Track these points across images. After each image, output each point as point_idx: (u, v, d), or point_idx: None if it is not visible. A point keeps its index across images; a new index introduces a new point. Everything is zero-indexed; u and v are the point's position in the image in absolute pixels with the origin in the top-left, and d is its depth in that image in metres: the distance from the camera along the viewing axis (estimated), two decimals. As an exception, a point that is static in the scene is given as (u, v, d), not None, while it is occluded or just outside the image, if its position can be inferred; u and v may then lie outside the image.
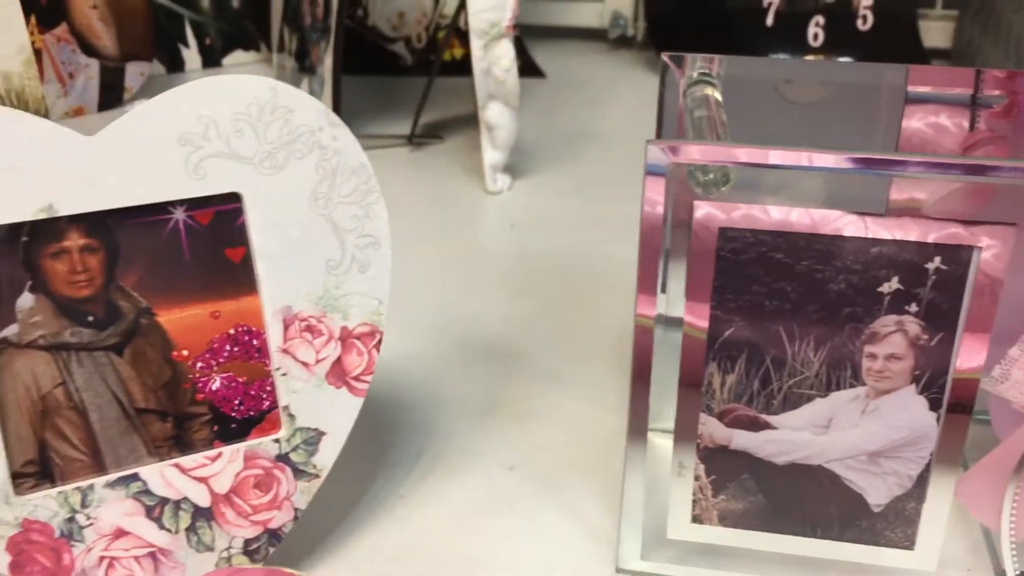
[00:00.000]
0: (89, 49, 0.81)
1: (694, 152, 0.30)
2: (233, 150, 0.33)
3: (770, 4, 0.92)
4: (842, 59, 0.92)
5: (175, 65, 0.94)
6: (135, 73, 0.85)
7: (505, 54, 0.65)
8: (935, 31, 0.95)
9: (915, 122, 0.45)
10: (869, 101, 0.46)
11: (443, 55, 0.79)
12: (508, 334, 0.52)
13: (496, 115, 0.67)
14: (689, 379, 0.34)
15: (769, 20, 0.92)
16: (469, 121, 0.82)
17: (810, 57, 0.93)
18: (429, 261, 0.59)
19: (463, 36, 0.85)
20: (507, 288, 0.57)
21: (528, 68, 0.93)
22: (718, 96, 0.37)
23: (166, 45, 0.93)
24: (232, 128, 0.33)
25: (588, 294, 0.56)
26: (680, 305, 0.34)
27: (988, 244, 0.30)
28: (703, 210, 0.31)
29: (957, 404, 0.32)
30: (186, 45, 0.95)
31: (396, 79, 0.91)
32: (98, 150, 0.32)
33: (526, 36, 0.97)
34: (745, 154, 0.30)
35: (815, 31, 0.92)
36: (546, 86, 0.92)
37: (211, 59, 0.96)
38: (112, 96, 0.82)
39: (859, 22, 0.91)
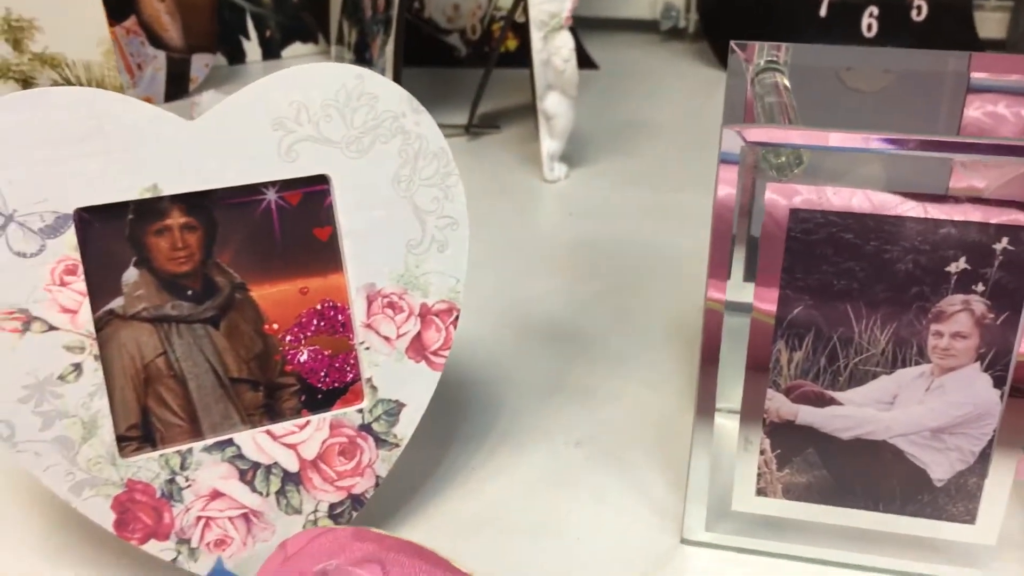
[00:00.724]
0: (157, 41, 0.83)
1: (768, 135, 0.32)
2: (322, 134, 0.35)
3: (824, -6, 0.92)
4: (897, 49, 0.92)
5: (237, 57, 0.97)
6: (200, 64, 0.88)
7: (565, 44, 0.66)
8: (990, 22, 0.95)
9: (974, 111, 0.46)
10: (931, 89, 0.47)
11: (502, 44, 0.81)
12: (570, 317, 0.54)
13: (554, 104, 0.68)
14: (756, 361, 0.35)
15: (823, 11, 0.92)
16: (524, 111, 0.84)
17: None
18: (490, 247, 0.61)
19: (516, 28, 0.87)
20: (567, 273, 0.59)
21: (582, 60, 0.94)
22: (786, 83, 0.38)
23: (228, 37, 0.95)
24: (322, 114, 0.35)
25: (646, 280, 0.57)
26: (744, 290, 0.35)
27: (1054, 226, 0.31)
28: (775, 192, 0.33)
29: (1021, 383, 0.33)
30: (247, 37, 0.97)
31: (451, 70, 0.92)
32: (199, 134, 0.34)
33: (579, 28, 0.98)
34: (817, 137, 0.31)
35: (869, 21, 0.92)
36: (600, 77, 0.93)
37: (271, 51, 0.99)
38: (178, 87, 0.84)
39: (914, 12, 0.91)
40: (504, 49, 0.95)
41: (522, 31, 0.86)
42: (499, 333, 0.51)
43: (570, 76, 0.67)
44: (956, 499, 0.35)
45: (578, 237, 0.63)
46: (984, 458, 0.34)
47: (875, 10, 0.92)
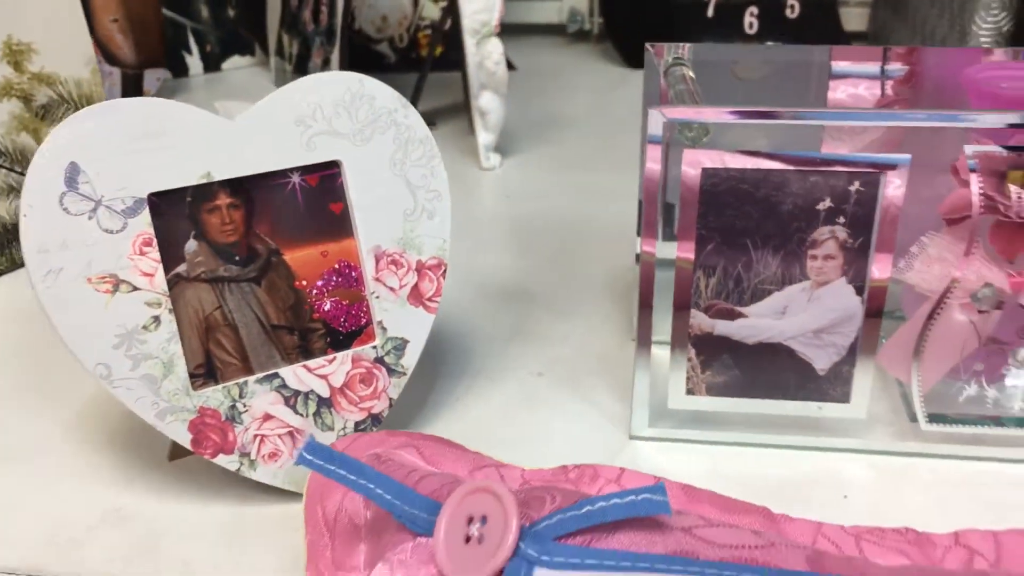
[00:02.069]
0: (111, 59, 0.90)
1: (682, 113, 0.42)
2: (334, 128, 0.44)
3: (710, -3, 1.04)
4: (779, 44, 1.05)
5: (180, 71, 1.04)
6: (152, 79, 0.95)
7: (495, 49, 0.76)
8: (854, 16, 1.09)
9: (838, 93, 0.57)
10: (801, 77, 0.58)
11: (434, 53, 0.90)
12: (519, 280, 0.64)
13: (488, 102, 0.78)
14: (682, 300, 0.46)
15: (710, 12, 1.05)
16: (455, 109, 0.94)
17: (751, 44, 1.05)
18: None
19: (443, 36, 0.96)
20: (511, 246, 0.69)
21: (501, 62, 1.04)
22: (691, 74, 0.49)
23: (171, 53, 1.02)
24: (333, 112, 0.44)
25: (579, 247, 0.68)
26: (668, 248, 0.45)
27: (891, 174, 0.42)
28: (689, 158, 0.43)
29: (875, 289, 0.44)
30: (189, 52, 1.04)
31: (382, 75, 1.01)
32: (239, 131, 0.43)
33: (496, 33, 1.08)
34: (717, 113, 0.42)
35: (750, 20, 1.05)
36: (519, 77, 1.03)
37: (211, 64, 1.06)
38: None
39: (788, 11, 1.04)
40: (428, 53, 1.05)
41: (446, 38, 0.95)
42: (463, 295, 0.61)
43: (501, 77, 0.77)
44: (834, 384, 0.47)
45: (517, 215, 0.73)
46: (853, 350, 0.46)
47: (755, 10, 1.04)
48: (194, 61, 1.04)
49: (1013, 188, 0.42)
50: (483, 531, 0.31)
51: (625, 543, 0.30)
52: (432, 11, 1.05)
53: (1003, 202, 0.42)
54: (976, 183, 0.42)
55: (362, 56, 1.03)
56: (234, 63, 1.07)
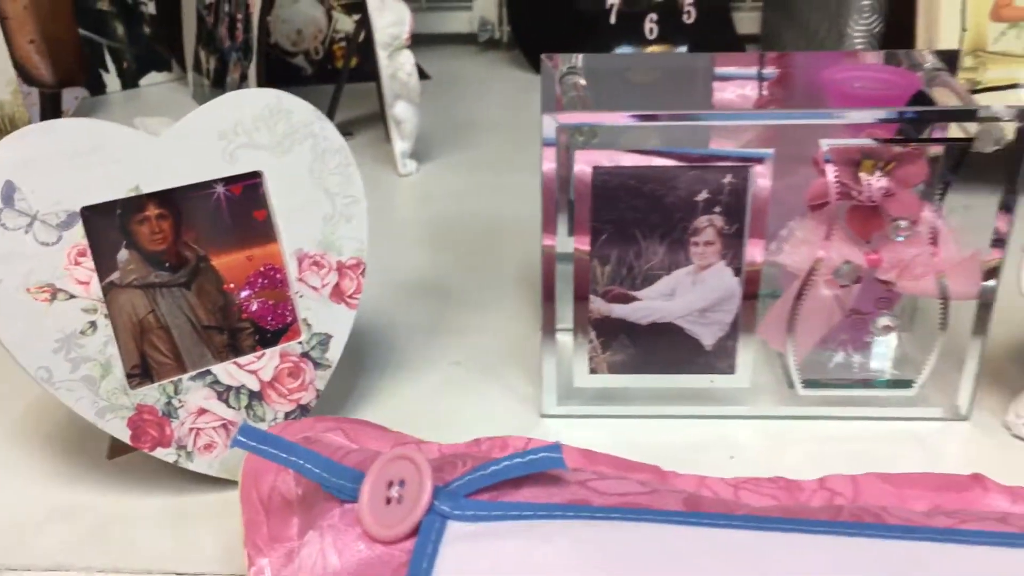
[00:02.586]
0: (29, 79, 0.92)
1: (573, 117, 0.47)
2: (254, 141, 0.48)
3: (612, 5, 1.10)
4: (676, 48, 1.11)
5: (98, 88, 1.05)
6: (70, 97, 0.96)
7: (407, 61, 0.80)
8: (747, 20, 1.15)
9: (727, 94, 0.63)
10: (688, 80, 0.64)
11: (349, 64, 0.93)
12: (437, 276, 0.68)
13: (403, 111, 0.82)
14: (581, 290, 0.50)
15: (612, 19, 1.10)
16: (371, 119, 0.97)
17: (652, 48, 1.11)
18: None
19: (357, 48, 0.99)
20: (429, 246, 0.73)
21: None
22: (583, 82, 0.54)
23: (89, 71, 1.04)
24: (252, 126, 0.48)
25: (493, 244, 0.72)
26: (567, 242, 0.50)
27: (758, 167, 0.47)
28: (582, 158, 0.48)
29: (750, 272, 0.49)
30: (106, 70, 1.06)
31: (299, 87, 1.04)
32: (165, 146, 0.46)
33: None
34: (604, 116, 0.47)
35: (650, 26, 1.10)
36: (432, 86, 1.07)
37: (129, 81, 1.08)
38: (53, 119, 0.93)
39: (684, 16, 1.10)
40: (343, 66, 1.08)
41: (358, 51, 0.99)
42: (384, 293, 0.65)
43: (414, 86, 0.81)
44: (720, 357, 0.52)
45: (433, 217, 0.78)
46: (735, 326, 0.51)
47: (654, 16, 1.10)
48: (111, 79, 1.05)
49: (864, 176, 0.47)
50: (402, 492, 0.35)
51: (527, 496, 0.35)
52: (346, 24, 1.09)
53: (856, 189, 0.47)
54: (832, 173, 0.47)
55: (279, 69, 1.06)
56: (151, 79, 1.08)
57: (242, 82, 0.91)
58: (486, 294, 0.65)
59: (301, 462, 0.37)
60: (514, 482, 0.35)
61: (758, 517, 0.35)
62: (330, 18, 1.09)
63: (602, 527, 0.33)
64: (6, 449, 0.51)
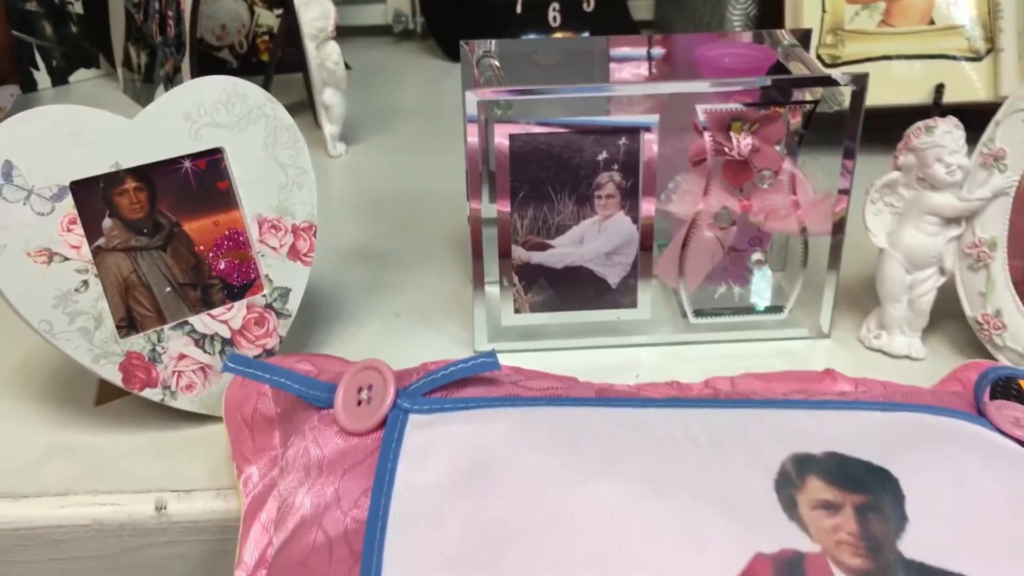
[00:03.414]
0: (-35, 77, 0.96)
1: (491, 93, 0.55)
2: (215, 121, 0.55)
3: (518, -5, 1.18)
4: (578, 34, 1.20)
5: (30, 86, 1.09)
6: (6, 95, 1.01)
7: (333, 51, 0.87)
8: (642, 8, 1.25)
9: (619, 73, 0.72)
10: (588, 62, 0.73)
11: (275, 58, 1.00)
12: (375, 244, 0.76)
13: (331, 97, 0.89)
14: (504, 245, 0.59)
15: (518, 9, 1.19)
16: (299, 106, 1.04)
17: (556, 35, 1.20)
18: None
19: (283, 41, 1.06)
20: (365, 218, 0.80)
21: (336, 62, 1.15)
22: (497, 64, 0.62)
23: (19, 69, 1.08)
24: (213, 108, 0.55)
25: (424, 214, 0.80)
26: (490, 208, 0.58)
27: (646, 132, 0.57)
28: (500, 127, 0.56)
29: (645, 224, 0.59)
30: (36, 68, 1.10)
31: (226, 80, 1.10)
32: (139, 127, 0.53)
33: (329, 36, 1.18)
34: (518, 91, 0.55)
35: (553, 14, 1.20)
36: (354, 75, 1.14)
37: (59, 79, 1.12)
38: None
39: (584, 5, 1.19)
40: (267, 59, 1.14)
41: (285, 43, 1.05)
42: (329, 258, 0.72)
43: (340, 74, 0.89)
44: (625, 294, 0.61)
45: (366, 193, 0.85)
46: (635, 266, 0.60)
47: (557, 5, 1.19)
48: (42, 76, 1.10)
49: (734, 136, 0.57)
50: (370, 395, 0.43)
51: (471, 393, 0.43)
52: (267, 19, 1.15)
53: (728, 146, 0.57)
54: (707, 134, 0.57)
55: (206, 63, 1.12)
56: (81, 76, 1.13)
57: (175, 75, 0.97)
58: (418, 256, 0.74)
59: (282, 379, 0.45)
60: (459, 383, 0.44)
61: (655, 399, 0.44)
62: (252, 13, 1.15)
63: (531, 411, 0.42)
64: (2, 398, 0.57)
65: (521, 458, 0.39)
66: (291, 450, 0.44)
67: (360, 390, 0.43)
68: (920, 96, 0.82)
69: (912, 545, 0.35)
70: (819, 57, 0.84)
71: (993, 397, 0.45)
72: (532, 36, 1.19)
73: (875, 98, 0.81)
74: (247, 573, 0.43)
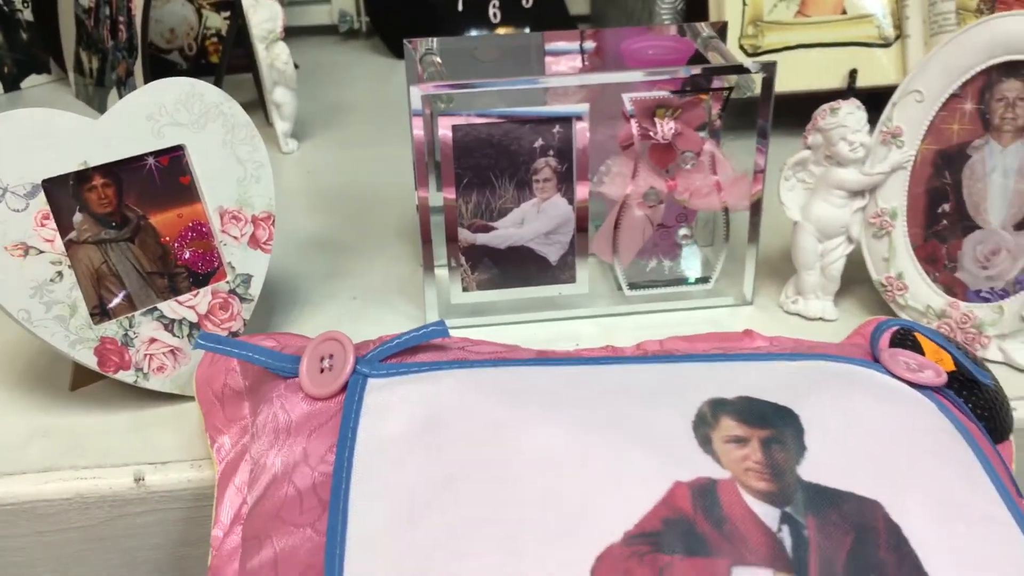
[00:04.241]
0: (-81, 85, 0.98)
1: (434, 88, 0.60)
2: (176, 120, 0.59)
3: (460, -7, 1.23)
4: (519, 29, 1.25)
5: (-18, 92, 1.12)
6: (-40, 101, 1.03)
7: (282, 51, 0.91)
8: (578, 2, 1.30)
9: (555, 66, 0.77)
10: (526, 56, 0.77)
11: (226, 59, 1.03)
12: (331, 233, 0.80)
13: (282, 96, 0.93)
14: (451, 231, 0.64)
15: (460, 7, 1.23)
16: (251, 106, 1.07)
17: (502, 30, 1.25)
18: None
19: (232, 43, 1.09)
20: (320, 210, 0.84)
21: (284, 62, 1.18)
22: (439, 60, 0.67)
23: (-29, 76, 1.10)
24: (173, 108, 0.59)
25: (373, 205, 0.84)
26: (437, 196, 0.63)
27: (578, 120, 0.61)
28: (443, 119, 0.61)
29: (581, 201, 0.64)
30: (-13, 74, 1.12)
31: (177, 82, 1.13)
32: (105, 126, 0.56)
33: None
34: (457, 85, 0.60)
35: (494, 11, 1.24)
36: (302, 74, 1.18)
37: (10, 84, 1.14)
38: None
39: (523, 2, 1.24)
40: (216, 60, 1.17)
41: (235, 45, 1.08)
42: (288, 249, 0.76)
43: (290, 74, 0.92)
44: (564, 270, 0.66)
45: (319, 187, 0.89)
46: (572, 244, 0.65)
47: (497, 2, 1.24)
48: (-6, 82, 1.12)
49: (658, 121, 0.62)
50: (332, 363, 0.47)
51: (423, 358, 0.48)
52: (215, 21, 1.18)
53: (653, 131, 0.62)
54: (634, 121, 0.62)
55: (156, 66, 1.14)
56: (33, 81, 1.15)
57: (128, 78, 1.00)
58: (371, 243, 0.78)
59: (250, 353, 0.49)
60: (412, 350, 0.48)
61: (590, 357, 0.49)
62: (200, 16, 1.18)
63: (477, 371, 0.47)
64: (-21, 391, 0.61)
65: (469, 411, 0.44)
66: (260, 417, 0.48)
67: (322, 359, 0.48)
68: (835, 81, 0.89)
69: (809, 470, 0.41)
70: (741, 47, 0.90)
71: (895, 348, 0.51)
72: (474, 33, 1.24)
73: (794, 84, 0.88)
74: (223, 531, 0.47)
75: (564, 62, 0.77)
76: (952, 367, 0.50)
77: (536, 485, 0.40)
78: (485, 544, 0.39)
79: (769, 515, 0.39)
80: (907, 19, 0.88)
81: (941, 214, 0.62)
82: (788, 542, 0.38)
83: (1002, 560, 0.38)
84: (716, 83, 0.64)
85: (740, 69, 0.61)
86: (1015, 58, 0.59)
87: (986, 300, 0.61)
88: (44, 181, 0.54)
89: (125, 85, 1.01)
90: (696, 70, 0.62)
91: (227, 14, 1.16)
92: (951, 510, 0.40)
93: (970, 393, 0.50)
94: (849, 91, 0.87)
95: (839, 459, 0.41)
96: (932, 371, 0.48)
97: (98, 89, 1.08)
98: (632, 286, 0.67)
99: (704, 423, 0.43)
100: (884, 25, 0.89)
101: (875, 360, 0.49)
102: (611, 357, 0.49)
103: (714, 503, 0.39)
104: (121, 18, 1.00)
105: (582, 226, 0.64)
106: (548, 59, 0.76)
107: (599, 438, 0.42)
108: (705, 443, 0.42)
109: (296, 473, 0.44)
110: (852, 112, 0.61)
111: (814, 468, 0.41)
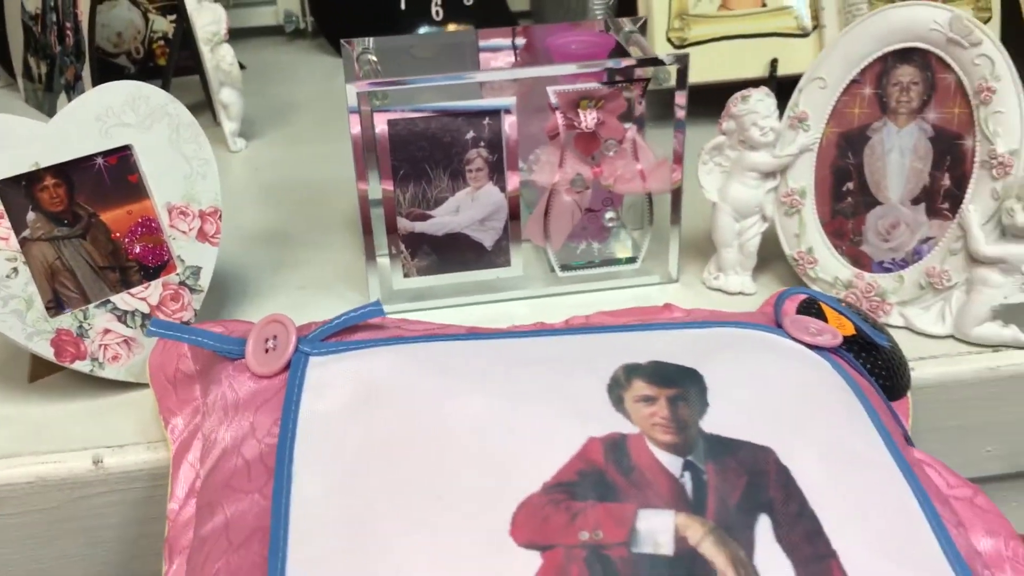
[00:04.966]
0: None
1: (368, 85, 0.63)
2: (123, 121, 0.62)
3: (402, -8, 1.26)
4: (461, 26, 1.28)
5: (-70, 99, 1.13)
6: (-91, 108, 1.04)
7: (227, 52, 0.94)
8: (519, -1, 1.34)
9: (493, 62, 0.80)
10: (461, 53, 0.81)
11: (173, 62, 1.06)
12: (279, 227, 0.83)
13: (228, 96, 0.96)
14: (391, 221, 0.67)
15: (403, 5, 1.27)
16: (198, 107, 1.10)
17: (451, 27, 1.28)
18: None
19: (178, 46, 1.11)
20: (266, 205, 0.88)
21: (231, 63, 1.21)
22: (375, 59, 0.70)
23: (-81, 83, 1.11)
24: (121, 110, 0.62)
25: (319, 199, 0.88)
26: (377, 190, 0.67)
27: (506, 113, 0.65)
28: (379, 115, 0.64)
29: (512, 189, 0.68)
30: (-64, 81, 1.13)
31: (126, 85, 1.15)
32: (55, 128, 0.59)
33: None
34: (390, 83, 0.64)
35: (436, 9, 1.28)
36: (249, 75, 1.20)
37: (-42, 90, 1.16)
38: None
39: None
40: (164, 63, 1.20)
41: (181, 47, 1.11)
42: (235, 243, 0.79)
43: (236, 74, 0.95)
44: (499, 255, 0.70)
45: (266, 183, 0.92)
46: (506, 230, 0.69)
47: (439, 0, 1.27)
48: (-58, 89, 1.14)
49: (582, 112, 0.66)
50: (276, 344, 0.51)
51: (361, 336, 0.52)
52: (162, 24, 1.20)
53: (577, 121, 0.66)
54: (559, 112, 0.66)
55: (104, 69, 1.16)
56: (-20, 87, 1.17)
57: (76, 82, 1.02)
58: (317, 236, 0.81)
59: (199, 338, 0.52)
60: (351, 329, 0.52)
61: (518, 332, 0.53)
62: (147, 20, 1.20)
63: (411, 346, 0.50)
64: (-60, 386, 0.63)
65: (404, 383, 0.47)
66: (210, 396, 0.52)
67: (267, 340, 0.51)
68: (757, 70, 0.93)
69: (711, 423, 0.45)
70: (669, 40, 0.94)
71: (801, 315, 0.55)
72: (421, 30, 1.27)
73: (718, 74, 0.93)
74: (179, 504, 0.50)
75: (501, 58, 0.80)
76: (852, 332, 0.55)
77: (466, 448, 0.44)
78: (419, 501, 0.42)
79: (673, 464, 0.43)
80: (823, 9, 0.93)
81: (846, 192, 0.67)
82: (689, 486, 0.42)
83: (880, 497, 0.43)
84: (637, 74, 0.68)
85: (656, 61, 0.65)
86: (908, 45, 0.64)
87: (888, 270, 0.66)
88: (-3, 182, 0.57)
89: (74, 89, 1.03)
90: (614, 64, 0.66)
91: (173, 17, 1.18)
92: (837, 455, 0.44)
93: (868, 355, 0.55)
94: (771, 79, 0.92)
95: (738, 413, 0.46)
96: (830, 334, 0.53)
97: (47, 94, 1.10)
98: (564, 268, 0.71)
99: (618, 385, 0.47)
100: (802, 16, 0.94)
101: (778, 326, 0.54)
102: (538, 331, 0.53)
103: (624, 455, 0.43)
104: (68, 24, 1.02)
105: (515, 213, 0.68)
106: (485, 55, 0.79)
107: (524, 404, 0.46)
108: (618, 403, 0.46)
109: (244, 445, 0.48)
110: (762, 99, 0.66)
111: (715, 421, 0.45)
